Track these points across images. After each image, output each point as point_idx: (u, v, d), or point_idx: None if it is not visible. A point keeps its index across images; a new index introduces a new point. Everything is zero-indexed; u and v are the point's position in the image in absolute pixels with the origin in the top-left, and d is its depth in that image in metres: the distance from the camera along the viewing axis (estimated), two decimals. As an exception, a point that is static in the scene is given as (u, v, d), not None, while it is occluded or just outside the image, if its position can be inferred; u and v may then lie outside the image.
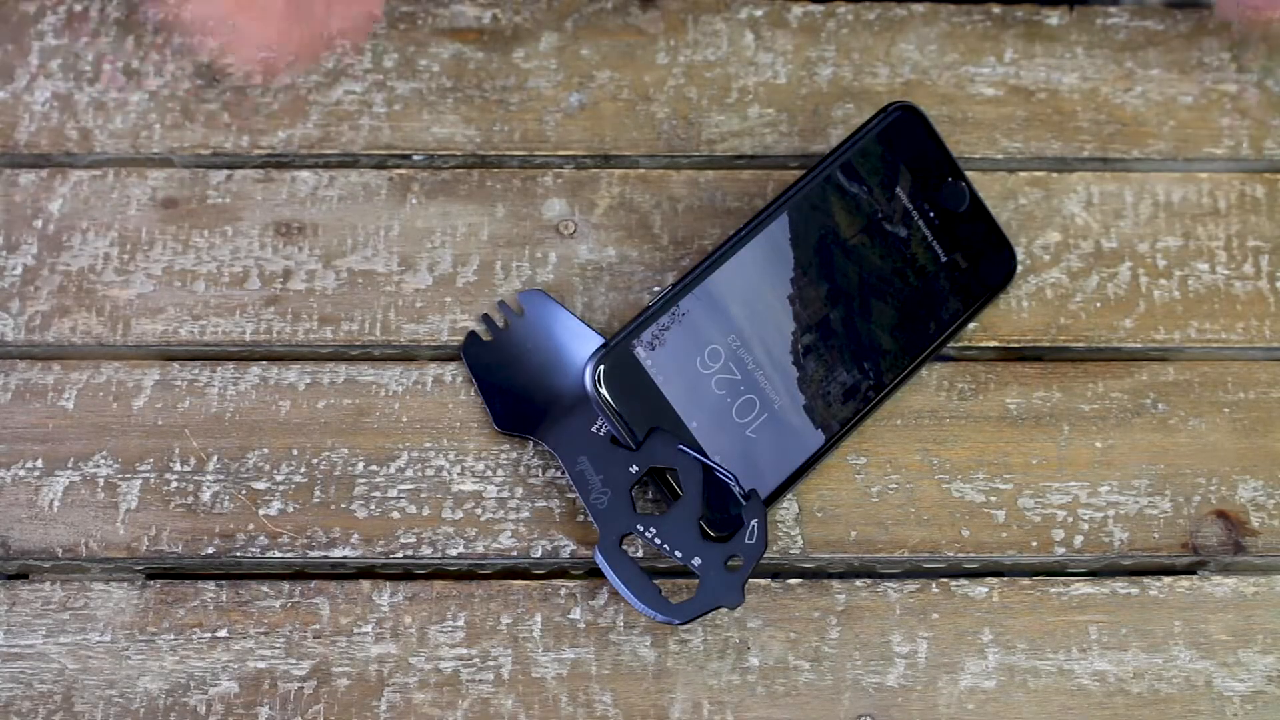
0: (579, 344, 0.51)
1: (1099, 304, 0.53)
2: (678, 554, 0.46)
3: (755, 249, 0.50)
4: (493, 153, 0.56)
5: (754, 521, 0.46)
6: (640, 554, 0.49)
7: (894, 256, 0.51)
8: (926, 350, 0.51)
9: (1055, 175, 0.56)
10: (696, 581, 0.46)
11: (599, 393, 0.47)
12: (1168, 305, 0.53)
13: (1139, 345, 0.53)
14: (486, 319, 0.52)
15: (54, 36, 0.57)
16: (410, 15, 0.58)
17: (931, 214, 0.52)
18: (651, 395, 0.48)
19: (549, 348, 0.51)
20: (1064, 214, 0.55)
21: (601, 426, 0.48)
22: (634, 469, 0.47)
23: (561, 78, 0.57)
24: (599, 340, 0.50)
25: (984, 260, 0.52)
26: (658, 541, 0.46)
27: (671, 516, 0.47)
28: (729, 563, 0.46)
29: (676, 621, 0.45)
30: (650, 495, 0.49)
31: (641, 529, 0.47)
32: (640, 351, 0.48)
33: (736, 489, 0.47)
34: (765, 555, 0.48)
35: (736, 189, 0.55)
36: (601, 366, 0.47)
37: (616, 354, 0.48)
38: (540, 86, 0.57)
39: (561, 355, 0.51)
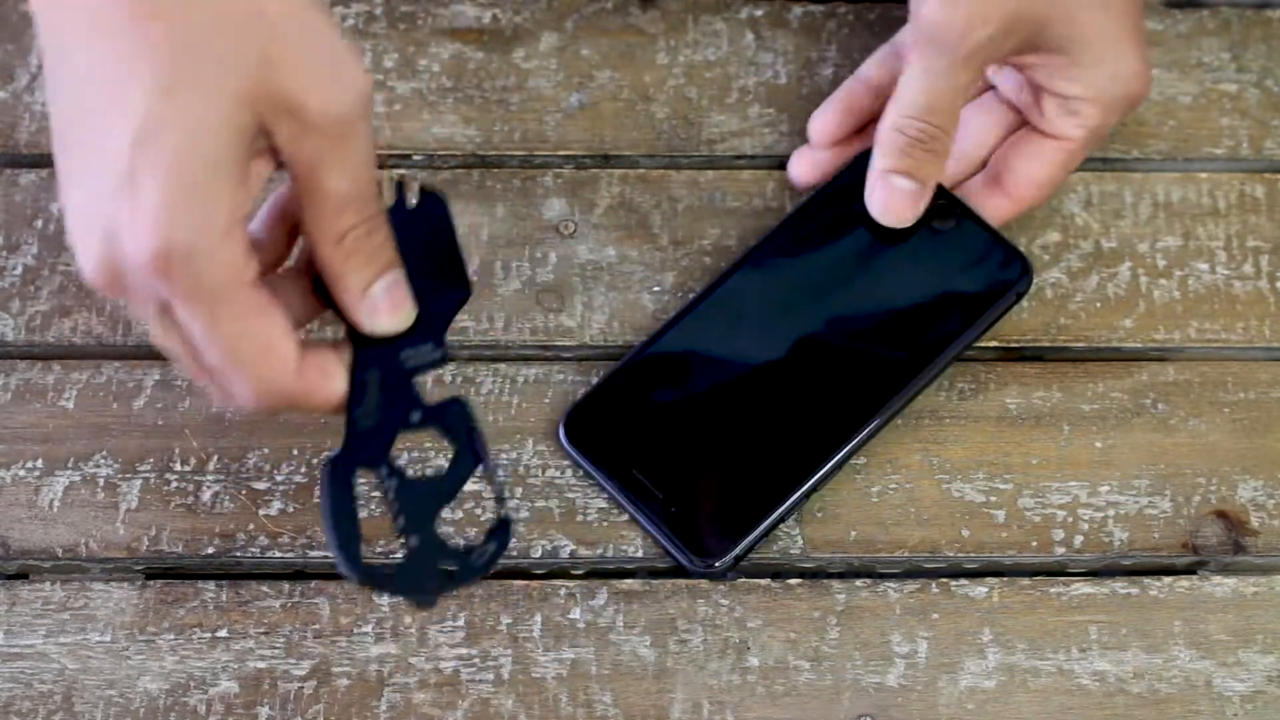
0: (443, 273, 0.44)
1: (1099, 304, 0.53)
2: (400, 520, 0.42)
3: (749, 277, 0.51)
4: (493, 153, 0.56)
5: (492, 545, 0.43)
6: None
7: (889, 280, 0.51)
8: (932, 372, 0.50)
9: (1055, 175, 0.56)
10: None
11: (570, 448, 0.48)
12: (1167, 305, 0.53)
13: (1139, 345, 0.53)
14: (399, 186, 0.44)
15: (54, 36, 0.57)
16: (410, 15, 0.58)
17: (928, 235, 0.51)
18: (624, 443, 0.49)
19: (414, 255, 0.44)
20: (1064, 214, 0.55)
21: (410, 359, 0.43)
22: (415, 417, 0.43)
23: (561, 78, 0.57)
24: (464, 282, 0.44)
25: (992, 277, 0.51)
26: (389, 495, 0.42)
27: (420, 485, 0.42)
28: (442, 563, 0.42)
29: (355, 578, 0.41)
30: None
31: (386, 473, 0.42)
32: (595, 408, 0.50)
33: (496, 507, 0.45)
34: (765, 555, 0.48)
35: (736, 189, 0.55)
36: (569, 420, 0.49)
37: (585, 407, 0.50)
38: (540, 86, 0.57)
39: (422, 271, 0.44)
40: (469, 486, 0.49)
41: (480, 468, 0.43)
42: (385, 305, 0.41)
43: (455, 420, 0.43)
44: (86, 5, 0.37)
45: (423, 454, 0.48)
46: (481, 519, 0.49)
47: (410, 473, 0.42)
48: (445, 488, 0.43)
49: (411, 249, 0.43)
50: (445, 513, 0.43)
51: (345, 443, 0.42)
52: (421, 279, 0.43)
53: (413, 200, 0.44)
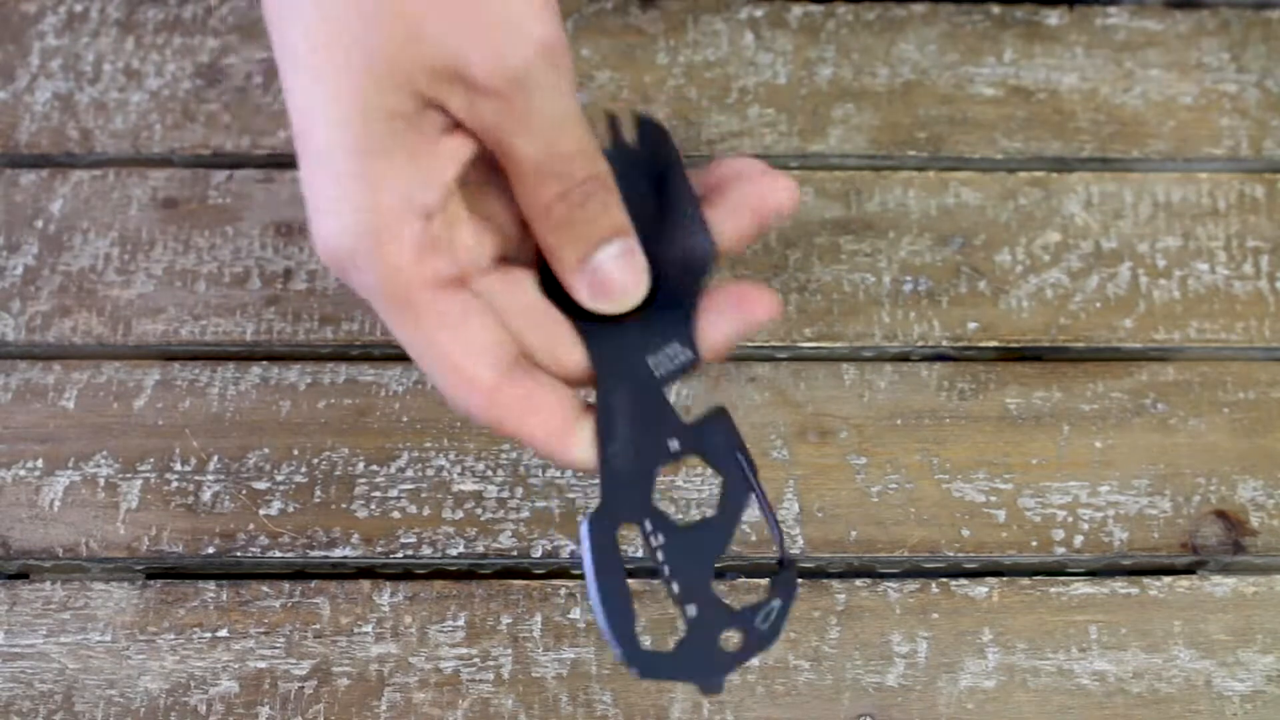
0: (678, 229, 0.36)
1: (1099, 304, 0.53)
2: (675, 586, 0.35)
3: None
4: (493, 153, 0.56)
5: (777, 602, 0.35)
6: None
7: None
8: None
9: (1055, 175, 0.56)
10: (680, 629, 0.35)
11: None
12: (1167, 305, 0.53)
13: (1139, 345, 0.53)
14: (613, 121, 0.38)
15: (55, 37, 0.57)
16: (410, 15, 0.58)
17: None
18: None
19: (641, 209, 0.36)
20: (1064, 214, 0.55)
21: (660, 365, 0.36)
22: (674, 446, 0.35)
23: (562, 78, 0.57)
24: (705, 238, 0.36)
25: None
26: (660, 556, 0.35)
27: (690, 535, 0.35)
28: (724, 635, 0.35)
29: (634, 669, 0.34)
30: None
31: (650, 528, 0.35)
32: None
33: (777, 548, 0.36)
34: (765, 554, 0.48)
35: (736, 189, 0.55)
36: None
37: None
38: (540, 87, 0.57)
39: (653, 231, 0.36)
40: (467, 487, 0.49)
41: (754, 490, 0.35)
42: (610, 274, 0.35)
43: (720, 441, 0.36)
44: None
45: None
46: (483, 518, 0.49)
47: (677, 520, 0.35)
48: (719, 533, 0.35)
49: (637, 200, 0.36)
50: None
51: (603, 492, 0.34)
52: (654, 241, 0.35)
53: (629, 137, 0.37)
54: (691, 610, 0.34)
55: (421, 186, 0.33)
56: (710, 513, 0.35)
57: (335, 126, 0.33)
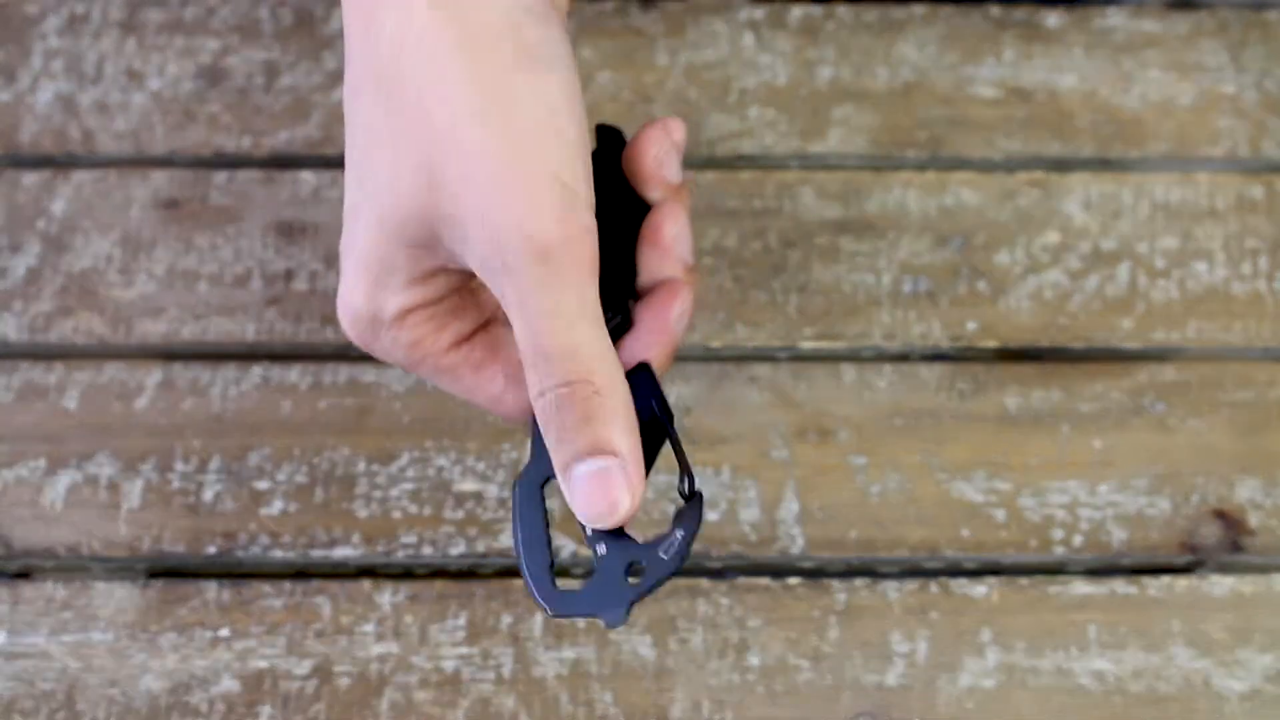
0: (625, 214, 0.39)
1: (1098, 304, 0.53)
2: (589, 529, 0.37)
3: None
4: (493, 153, 0.56)
5: (680, 533, 0.36)
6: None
7: None
8: None
9: (1054, 176, 0.56)
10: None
11: None
12: (1166, 306, 0.53)
13: (1138, 345, 0.53)
14: None
15: (56, 38, 0.57)
16: (411, 16, 0.58)
17: None
18: None
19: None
20: (1063, 214, 0.55)
21: None
22: None
23: (562, 79, 0.57)
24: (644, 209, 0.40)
25: None
26: None
27: None
28: (630, 568, 0.37)
29: (548, 609, 0.37)
30: None
31: None
32: None
33: (684, 483, 0.37)
34: (765, 554, 0.49)
35: (736, 189, 0.55)
36: None
37: None
38: (541, 87, 0.57)
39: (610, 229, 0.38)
40: (468, 487, 0.50)
41: (666, 430, 0.38)
42: (584, 496, 0.35)
43: (641, 388, 0.38)
44: (357, 75, 0.36)
45: None
46: (483, 518, 0.49)
47: None
48: None
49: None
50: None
51: (532, 453, 0.37)
52: (607, 239, 0.37)
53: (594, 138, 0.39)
54: (601, 549, 0.36)
55: (429, 292, 0.36)
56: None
57: (363, 229, 0.35)
